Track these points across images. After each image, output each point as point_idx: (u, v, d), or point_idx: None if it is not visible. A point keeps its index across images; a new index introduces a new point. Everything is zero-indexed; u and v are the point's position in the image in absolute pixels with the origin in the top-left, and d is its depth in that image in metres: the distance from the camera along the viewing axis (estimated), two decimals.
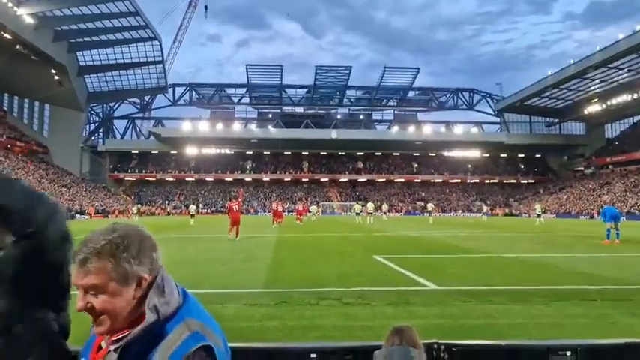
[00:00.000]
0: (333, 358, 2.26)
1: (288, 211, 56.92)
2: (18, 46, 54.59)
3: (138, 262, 1.23)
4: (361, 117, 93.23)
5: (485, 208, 54.39)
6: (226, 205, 28.78)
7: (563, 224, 37.54)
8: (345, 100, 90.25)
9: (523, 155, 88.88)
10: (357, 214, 41.45)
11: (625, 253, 13.71)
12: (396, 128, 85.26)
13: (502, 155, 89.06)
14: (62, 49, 61.19)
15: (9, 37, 52.05)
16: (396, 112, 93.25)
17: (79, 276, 1.19)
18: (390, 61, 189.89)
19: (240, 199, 21.05)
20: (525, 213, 69.82)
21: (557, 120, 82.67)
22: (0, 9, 47.80)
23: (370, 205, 41.66)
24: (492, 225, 34.61)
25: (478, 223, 37.60)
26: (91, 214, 54.13)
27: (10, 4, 48.64)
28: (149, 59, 69.76)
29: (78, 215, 51.34)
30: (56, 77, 62.86)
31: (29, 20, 51.85)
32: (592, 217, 53.20)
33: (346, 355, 2.31)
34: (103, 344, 1.27)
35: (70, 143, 73.69)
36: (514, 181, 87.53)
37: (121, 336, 1.21)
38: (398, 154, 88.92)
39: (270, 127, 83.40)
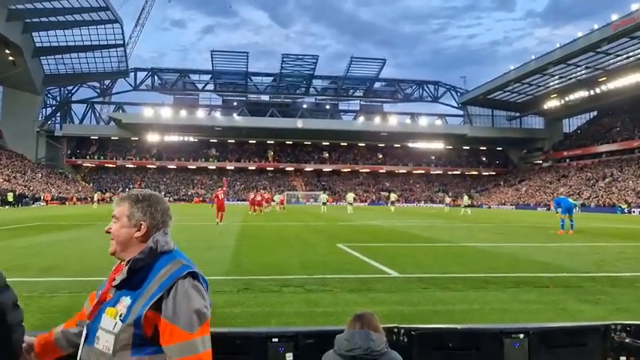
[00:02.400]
0: (295, 343, 2.29)
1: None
2: None
3: (144, 213, 1.72)
4: (327, 107, 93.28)
5: (447, 199, 55.39)
6: (212, 193, 30.38)
7: (521, 215, 38.70)
8: (311, 89, 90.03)
9: (485, 148, 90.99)
10: (324, 203, 41.64)
11: (577, 242, 14.26)
12: (361, 119, 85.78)
13: (465, 147, 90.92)
14: (17, 28, 58.43)
15: None
16: (362, 102, 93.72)
17: (114, 208, 1.76)
18: (356, 52, 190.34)
19: (224, 188, 21.91)
20: (486, 204, 71.58)
21: (518, 114, 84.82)
22: None
23: (350, 196, 41.99)
24: (454, 216, 35.36)
25: (440, 214, 38.36)
26: (47, 201, 52.46)
27: None
28: (110, 42, 67.48)
29: (33, 202, 49.66)
30: (10, 58, 60.08)
31: None
32: (549, 209, 55.01)
33: (308, 339, 2.36)
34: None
35: (25, 127, 70.90)
36: (476, 172, 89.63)
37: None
38: (363, 144, 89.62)
39: (235, 115, 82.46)
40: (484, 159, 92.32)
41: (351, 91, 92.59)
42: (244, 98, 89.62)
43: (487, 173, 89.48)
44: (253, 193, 37.14)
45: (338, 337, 2.13)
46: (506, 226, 22.49)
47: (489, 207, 68.70)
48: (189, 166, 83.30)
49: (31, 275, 7.61)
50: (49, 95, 79.07)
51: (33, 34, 63.00)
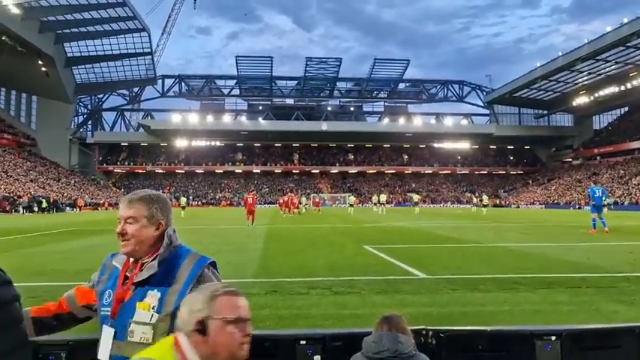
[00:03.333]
0: (323, 345, 2.31)
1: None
2: (4, 37, 53.70)
3: (161, 213, 1.83)
4: (352, 109, 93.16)
5: (474, 199, 54.78)
6: (243, 197, 32.39)
7: (550, 214, 37.93)
8: (335, 92, 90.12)
9: (512, 146, 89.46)
10: (351, 205, 41.68)
11: (610, 242, 13.92)
12: (386, 120, 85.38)
13: (491, 147, 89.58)
14: (49, 40, 60.30)
15: None
16: (386, 104, 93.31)
17: (125, 210, 1.80)
18: (380, 53, 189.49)
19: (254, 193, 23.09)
20: (515, 204, 70.33)
21: (545, 112, 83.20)
22: None
23: (382, 197, 41.98)
24: (480, 216, 34.87)
25: (466, 214, 37.88)
26: (80, 207, 53.73)
27: None
28: (137, 51, 68.97)
29: (67, 208, 50.95)
30: (43, 69, 61.91)
31: (15, 10, 50.94)
32: (580, 208, 53.76)
33: (336, 341, 2.38)
34: (128, 273, 1.79)
35: (58, 135, 73.01)
36: (503, 172, 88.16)
37: (149, 258, 1.78)
38: (388, 145, 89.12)
39: (260, 118, 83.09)
40: (512, 158, 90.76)
41: (375, 92, 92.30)
42: (269, 102, 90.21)
43: (515, 172, 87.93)
44: (287, 195, 38.46)
45: (366, 339, 2.14)
46: (536, 226, 22.07)
47: (518, 206, 67.48)
48: (216, 170, 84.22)
49: (66, 279, 7.83)
50: (80, 104, 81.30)
51: (64, 44, 64.86)
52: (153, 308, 1.68)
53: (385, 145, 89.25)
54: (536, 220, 27.75)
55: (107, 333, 1.72)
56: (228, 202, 74.94)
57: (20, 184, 52.65)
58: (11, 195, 46.51)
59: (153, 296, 1.69)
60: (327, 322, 5.10)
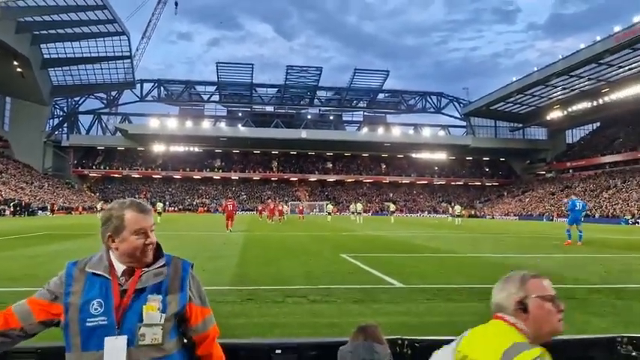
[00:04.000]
0: (298, 354, 2.30)
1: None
2: None
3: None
4: (331, 117, 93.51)
5: (450, 209, 55.33)
6: (222, 203, 33.13)
7: (524, 226, 38.53)
8: (315, 100, 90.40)
9: (488, 158, 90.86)
10: (329, 213, 41.80)
11: (581, 254, 14.19)
12: (365, 129, 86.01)
13: (468, 158, 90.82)
14: (25, 40, 59.10)
15: None
16: (365, 113, 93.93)
17: (148, 220, 1.82)
18: (360, 64, 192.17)
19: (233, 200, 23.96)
20: (489, 214, 71.30)
21: (521, 125, 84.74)
22: None
23: (358, 206, 42.13)
24: (454, 226, 35.23)
25: (443, 224, 38.23)
26: (53, 211, 52.62)
27: None
28: (117, 54, 68.09)
29: (40, 212, 49.85)
30: (18, 69, 60.66)
31: None
32: (552, 220, 54.77)
33: (311, 350, 2.37)
34: (125, 287, 1.75)
35: (32, 137, 71.46)
36: (479, 183, 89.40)
37: (155, 266, 1.81)
38: (367, 154, 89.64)
39: (239, 125, 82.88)
40: (487, 170, 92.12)
41: (355, 102, 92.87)
42: (249, 109, 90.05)
43: (490, 184, 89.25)
44: (271, 202, 39.77)
45: (341, 348, 2.13)
46: (510, 237, 22.39)
47: (493, 217, 68.45)
48: (194, 177, 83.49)
49: (39, 284, 7.62)
50: (56, 106, 79.79)
51: (41, 45, 63.63)
52: (159, 310, 1.73)
53: (364, 155, 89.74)
54: (510, 231, 28.17)
55: (116, 342, 1.66)
56: (206, 208, 74.30)
57: None
58: None
59: (155, 300, 1.73)
60: (302, 330, 5.08)
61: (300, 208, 50.59)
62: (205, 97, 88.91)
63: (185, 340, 1.87)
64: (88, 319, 1.67)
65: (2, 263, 10.40)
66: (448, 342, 2.61)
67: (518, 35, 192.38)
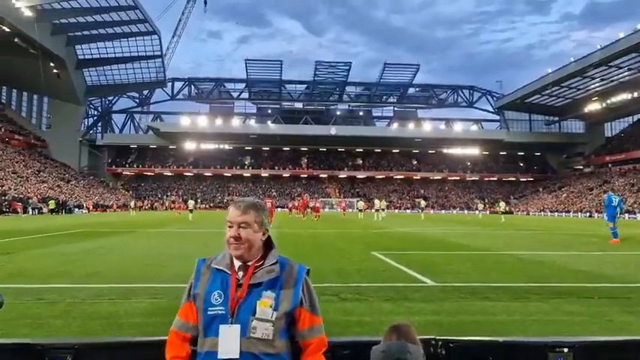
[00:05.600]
0: (331, 354, 2.25)
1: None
2: (16, 39, 54.24)
3: (266, 219, 2.01)
4: (361, 113, 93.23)
5: (480, 206, 54.72)
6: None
7: (561, 222, 37.60)
8: (344, 96, 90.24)
9: (522, 153, 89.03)
10: (360, 210, 41.70)
11: (622, 251, 13.72)
12: (395, 125, 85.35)
13: (502, 153, 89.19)
14: (61, 42, 60.95)
15: (7, 29, 51.75)
16: (395, 108, 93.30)
17: (238, 216, 1.94)
18: (389, 59, 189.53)
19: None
20: (524, 211, 69.87)
21: (557, 118, 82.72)
22: None
23: (383, 202, 41.87)
24: (489, 222, 34.63)
25: (474, 221, 37.63)
26: (89, 208, 54.03)
27: None
28: (148, 53, 69.56)
29: (76, 209, 51.23)
30: (55, 70, 62.47)
31: (28, 13, 51.41)
32: (591, 216, 53.28)
33: (344, 350, 2.32)
34: (242, 282, 1.91)
35: (68, 137, 73.55)
36: (513, 178, 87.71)
37: (260, 262, 1.95)
38: (397, 150, 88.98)
39: (269, 122, 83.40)
40: (522, 164, 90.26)
41: (385, 97, 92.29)
42: (278, 106, 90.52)
43: (525, 179, 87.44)
44: (313, 200, 41.52)
45: (374, 348, 2.07)
46: (546, 234, 21.85)
47: (528, 214, 67.03)
48: (224, 174, 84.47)
49: (74, 282, 7.81)
50: (90, 106, 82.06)
51: (76, 47, 65.54)
52: (271, 307, 1.86)
53: (394, 150, 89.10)
54: (546, 228, 27.50)
55: (230, 330, 1.83)
56: None
57: (30, 184, 53.05)
58: (21, 196, 46.85)
59: (269, 297, 1.87)
60: (334, 329, 5.01)
61: (343, 205, 51.39)
62: (235, 95, 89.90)
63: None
64: (209, 309, 1.88)
65: (41, 260, 10.69)
66: (484, 343, 2.52)
67: (553, 26, 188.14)
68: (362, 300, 6.44)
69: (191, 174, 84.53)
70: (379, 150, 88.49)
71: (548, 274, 8.91)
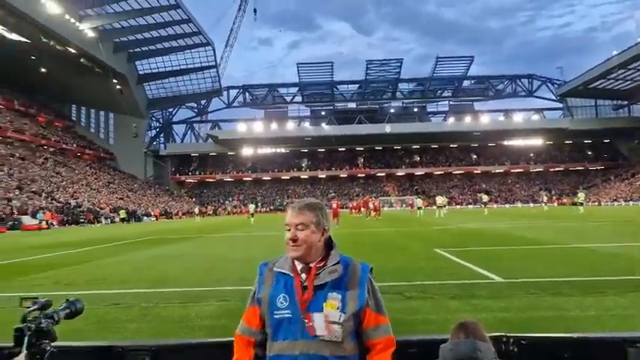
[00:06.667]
0: (397, 352, 2.25)
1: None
2: (82, 59, 57.64)
3: (325, 219, 1.97)
4: (415, 109, 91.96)
5: (545, 197, 52.42)
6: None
7: (635, 212, 35.47)
8: (397, 93, 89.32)
9: (590, 141, 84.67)
10: (419, 208, 41.10)
11: None
12: (451, 119, 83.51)
13: (566, 142, 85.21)
14: (122, 59, 64.17)
15: (73, 51, 55.11)
16: (451, 102, 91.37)
17: (295, 217, 1.93)
18: (441, 53, 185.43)
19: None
20: (595, 201, 66.44)
21: (625, 102, 78.09)
22: (64, 25, 50.77)
23: (440, 199, 41.12)
24: (555, 215, 33.18)
25: (540, 214, 36.16)
26: (156, 216, 56.28)
27: (72, 20, 51.44)
28: (203, 64, 71.99)
29: (144, 217, 53.49)
30: (118, 87, 65.87)
31: (91, 34, 54.53)
32: None
33: (410, 348, 2.29)
34: (306, 284, 1.88)
35: (134, 149, 77.19)
36: (581, 167, 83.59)
37: (322, 263, 1.92)
38: (455, 145, 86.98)
39: (323, 124, 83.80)
40: (590, 153, 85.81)
41: (439, 91, 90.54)
42: (332, 107, 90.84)
43: (594, 168, 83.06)
44: (371, 200, 40.77)
45: (442, 346, 2.04)
46: (619, 225, 20.68)
47: (599, 204, 63.67)
48: (282, 177, 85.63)
49: (146, 287, 8.19)
50: (152, 118, 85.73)
51: (136, 62, 68.81)
52: (338, 308, 1.83)
53: (452, 145, 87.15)
54: (619, 218, 26.03)
55: (301, 334, 1.83)
56: None
57: (102, 196, 55.96)
58: (95, 207, 49.48)
59: (335, 298, 1.84)
60: (400, 327, 4.97)
61: (410, 202, 50.75)
62: (288, 99, 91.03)
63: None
64: (276, 312, 1.87)
65: (115, 267, 11.27)
66: (558, 339, 2.42)
67: (615, 6, 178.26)
68: (427, 298, 6.36)
69: (250, 179, 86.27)
70: (436, 146, 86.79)
71: (625, 267, 8.44)
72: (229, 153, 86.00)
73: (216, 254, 13.47)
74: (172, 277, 9.35)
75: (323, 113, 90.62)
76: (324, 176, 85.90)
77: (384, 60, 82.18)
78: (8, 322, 2.18)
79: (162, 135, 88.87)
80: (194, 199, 79.23)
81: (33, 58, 57.30)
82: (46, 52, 55.45)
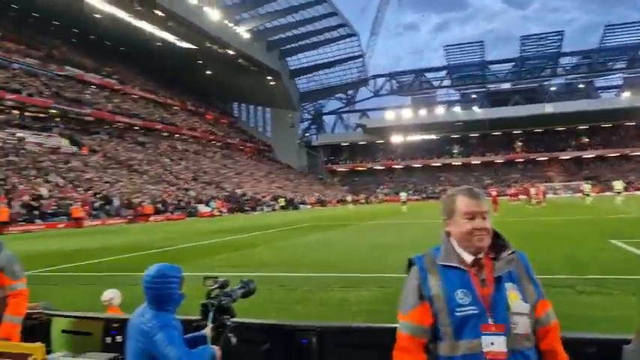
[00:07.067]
0: (574, 351, 2.11)
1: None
2: (240, 60, 63.03)
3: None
4: (580, 86, 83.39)
5: None
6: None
7: None
8: (558, 69, 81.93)
9: None
10: (587, 194, 37.41)
11: None
12: (626, 94, 73.85)
13: None
14: (275, 57, 68.88)
15: (232, 52, 60.61)
16: (625, 75, 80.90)
17: (480, 205, 1.79)
18: (611, 20, 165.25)
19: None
20: None
21: None
22: (224, 30, 56.09)
23: (618, 184, 37.16)
24: None
25: None
26: (312, 204, 58.89)
27: (230, 25, 56.61)
28: (349, 55, 74.17)
29: (301, 205, 56.29)
30: (272, 83, 70.66)
31: (246, 36, 59.35)
32: None
33: (588, 347, 2.17)
34: (483, 277, 1.76)
35: (289, 141, 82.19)
36: None
37: (495, 254, 1.80)
38: (633, 123, 76.63)
39: (475, 107, 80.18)
40: None
41: (610, 63, 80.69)
42: (483, 89, 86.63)
43: None
44: (534, 186, 40.04)
45: (625, 347, 1.87)
46: None
47: None
48: (433, 164, 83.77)
49: (307, 271, 8.69)
50: (304, 110, 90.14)
51: (287, 59, 73.40)
52: (521, 300, 1.72)
53: (628, 124, 76.93)
54: None
55: (495, 329, 1.69)
56: None
57: (263, 185, 60.36)
58: (257, 195, 53.54)
59: (514, 289, 1.73)
60: (568, 322, 4.60)
61: (581, 188, 45.90)
62: (436, 84, 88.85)
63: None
64: (457, 309, 1.70)
65: (279, 252, 12.16)
66: None
67: None
68: (604, 293, 5.82)
69: (400, 166, 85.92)
70: (609, 125, 77.41)
71: None
72: (378, 141, 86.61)
73: (372, 241, 13.73)
74: (331, 262, 9.77)
75: (474, 96, 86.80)
76: (477, 162, 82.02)
77: (542, 34, 76.05)
78: (190, 298, 2.49)
79: (313, 126, 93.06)
80: (346, 188, 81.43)
81: (199, 62, 64.16)
82: (210, 55, 61.97)
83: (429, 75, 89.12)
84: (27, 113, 43.34)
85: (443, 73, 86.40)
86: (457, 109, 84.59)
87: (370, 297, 6.34)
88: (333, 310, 5.83)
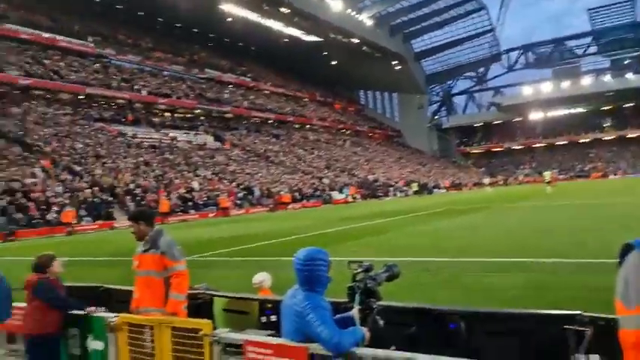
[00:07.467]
0: None
1: None
2: (364, 47, 63.25)
3: None
4: None
5: None
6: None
7: None
8: None
9: None
10: None
11: None
12: None
13: None
14: (398, 41, 68.08)
15: (356, 41, 61.09)
16: None
17: None
18: None
19: None
20: None
21: None
22: (346, 19, 56.73)
23: None
24: None
25: None
26: (447, 188, 57.28)
27: (353, 13, 57.19)
28: (478, 30, 70.99)
29: (435, 189, 55.06)
30: (397, 67, 69.79)
31: (369, 23, 59.39)
32: None
33: None
34: None
35: (418, 125, 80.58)
36: None
37: None
38: None
39: (629, 74, 71.38)
40: None
41: None
42: (637, 53, 76.67)
43: None
44: None
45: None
46: None
47: None
48: (579, 140, 76.37)
49: (449, 255, 8.46)
50: (432, 92, 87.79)
51: (411, 41, 72.27)
52: None
53: None
54: None
55: None
56: (602, 173, 66.60)
57: (394, 171, 60.12)
58: (389, 181, 53.46)
59: None
60: None
61: None
62: (580, 52, 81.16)
63: None
64: None
65: (417, 237, 12.06)
66: None
67: None
68: None
69: (541, 145, 79.69)
70: None
71: None
72: (515, 119, 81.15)
73: (512, 225, 13.10)
74: (472, 246, 9.45)
75: (627, 62, 77.32)
76: (634, 136, 72.99)
77: None
78: (336, 282, 2.52)
79: (443, 108, 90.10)
80: (482, 170, 77.83)
81: (325, 54, 65.58)
82: (334, 46, 63.07)
83: (570, 43, 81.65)
84: (177, 115, 48.19)
85: (588, 39, 78.72)
86: (607, 77, 75.89)
87: (515, 282, 6.02)
88: (478, 295, 5.62)
